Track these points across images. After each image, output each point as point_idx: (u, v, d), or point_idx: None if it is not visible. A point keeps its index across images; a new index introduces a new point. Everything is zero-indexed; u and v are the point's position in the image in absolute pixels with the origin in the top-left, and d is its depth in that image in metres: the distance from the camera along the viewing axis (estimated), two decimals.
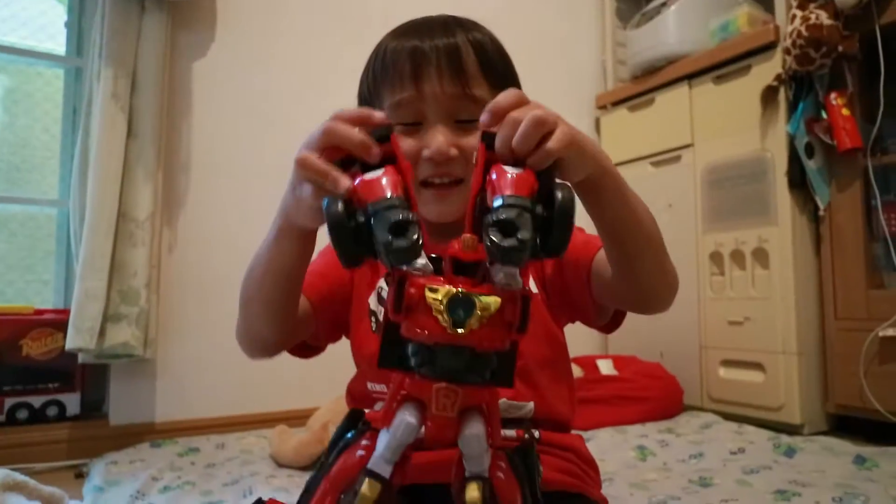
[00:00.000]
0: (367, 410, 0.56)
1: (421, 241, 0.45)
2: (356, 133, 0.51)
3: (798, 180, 1.63)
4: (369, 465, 0.47)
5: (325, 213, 0.46)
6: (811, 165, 1.62)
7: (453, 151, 0.68)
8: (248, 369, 1.61)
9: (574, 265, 0.70)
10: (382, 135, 0.52)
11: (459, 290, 0.44)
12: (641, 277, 0.64)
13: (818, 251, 1.66)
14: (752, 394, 1.68)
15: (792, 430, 1.57)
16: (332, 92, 1.88)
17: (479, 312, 0.44)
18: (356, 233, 0.46)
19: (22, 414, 1.46)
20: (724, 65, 1.81)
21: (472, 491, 0.45)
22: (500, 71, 0.73)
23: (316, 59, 1.84)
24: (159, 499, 1.10)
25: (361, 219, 0.46)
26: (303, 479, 1.22)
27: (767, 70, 1.69)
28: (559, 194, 0.46)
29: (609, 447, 1.37)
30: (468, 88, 0.68)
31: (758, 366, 1.68)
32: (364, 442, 0.50)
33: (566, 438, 0.73)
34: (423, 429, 0.46)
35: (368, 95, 0.74)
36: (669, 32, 1.98)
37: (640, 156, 2.08)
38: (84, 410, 1.54)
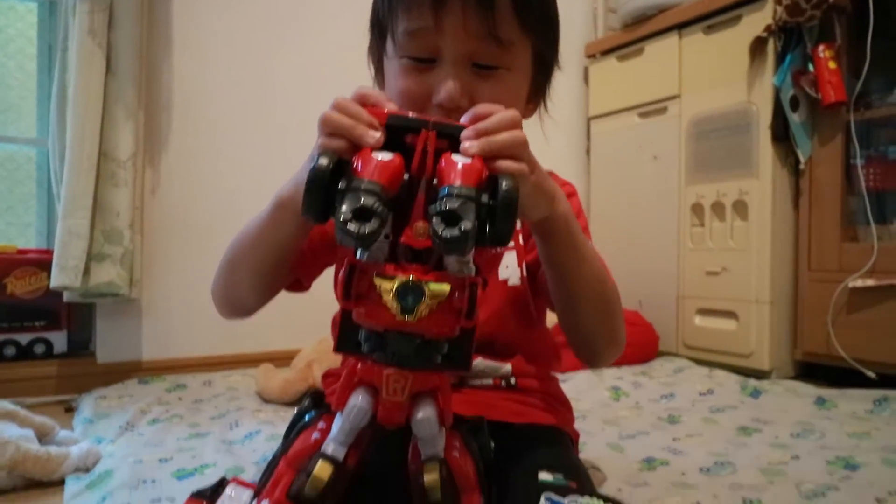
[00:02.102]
0: (326, 392, 0.58)
1: (377, 235, 0.44)
2: (364, 113, 0.50)
3: (781, 133, 1.65)
4: (323, 448, 0.49)
5: (313, 163, 0.46)
6: (795, 119, 1.63)
7: (464, 102, 0.61)
8: None
9: (544, 280, 0.69)
10: (413, 126, 0.50)
11: (409, 278, 0.45)
12: (580, 328, 0.66)
13: (797, 204, 1.69)
14: (725, 341, 1.74)
15: (760, 375, 1.63)
16: (319, 26, 1.86)
17: (427, 300, 0.45)
18: (327, 194, 0.46)
19: (9, 351, 1.48)
20: (716, 14, 1.80)
21: (431, 473, 0.48)
22: (536, 13, 0.64)
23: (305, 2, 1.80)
24: (148, 430, 1.14)
25: (341, 185, 0.46)
26: (288, 413, 1.27)
27: (758, 20, 1.68)
28: (504, 184, 0.46)
29: (585, 388, 1.42)
30: (495, 29, 0.60)
31: (731, 314, 1.73)
32: (321, 424, 0.51)
33: (542, 383, 0.76)
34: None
35: (381, 18, 0.68)
36: None
37: (627, 106, 2.08)
38: (71, 349, 1.56)
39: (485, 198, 0.45)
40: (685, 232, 1.87)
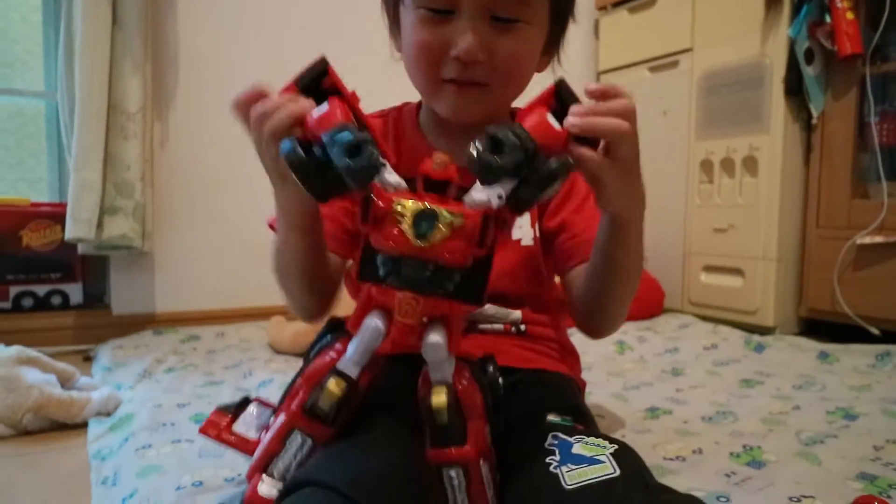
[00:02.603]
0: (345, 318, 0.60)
1: (378, 157, 0.46)
2: (280, 103, 0.51)
3: (794, 87, 1.62)
4: (338, 366, 0.52)
5: (284, 157, 0.48)
6: (809, 72, 1.61)
7: (482, 55, 0.61)
8: (243, 264, 1.67)
9: (573, 241, 0.71)
10: (318, 72, 0.52)
11: (425, 204, 0.47)
12: (597, 310, 0.67)
13: (807, 160, 1.68)
14: (730, 298, 1.75)
15: (765, 331, 1.65)
16: None
17: (441, 227, 0.46)
18: (318, 166, 0.47)
19: (27, 302, 1.52)
20: None
21: (439, 395, 0.50)
22: None
23: None
24: (165, 378, 1.17)
25: (319, 152, 0.47)
26: (299, 363, 1.29)
27: None
28: (558, 159, 0.47)
29: (591, 342, 1.44)
30: None
31: (738, 271, 1.74)
32: (337, 346, 0.54)
33: (550, 331, 0.78)
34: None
35: None
36: None
37: (638, 60, 2.05)
38: (86, 301, 1.59)
39: (535, 158, 0.46)
40: (693, 189, 1.86)
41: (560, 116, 0.50)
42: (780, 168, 1.65)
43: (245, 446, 0.59)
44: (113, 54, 1.43)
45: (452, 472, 0.50)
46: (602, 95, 0.51)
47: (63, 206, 1.46)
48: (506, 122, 0.48)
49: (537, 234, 0.74)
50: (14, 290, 1.50)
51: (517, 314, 0.75)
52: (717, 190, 1.80)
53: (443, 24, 0.62)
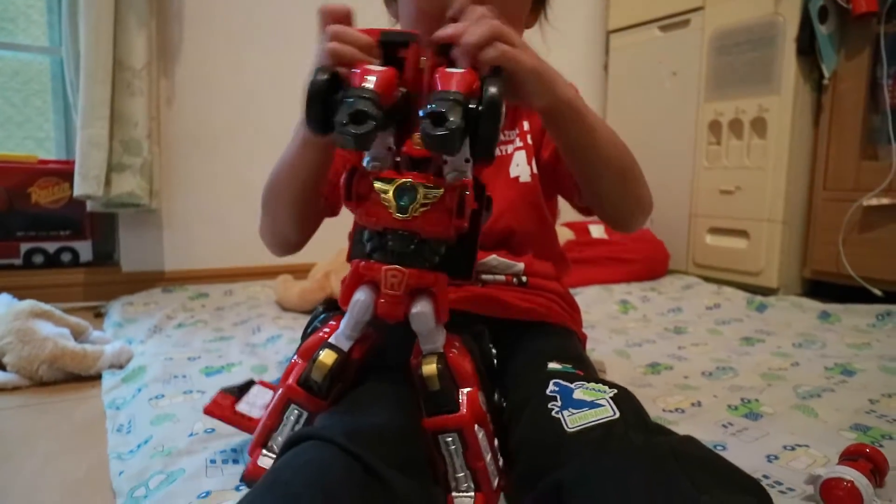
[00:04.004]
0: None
1: (372, 136, 0.47)
2: (361, 37, 0.53)
3: (807, 47, 1.60)
4: (330, 339, 0.55)
5: (310, 78, 0.49)
6: (822, 31, 1.58)
7: (480, 9, 0.62)
8: (251, 222, 1.67)
9: (568, 173, 0.72)
10: (403, 40, 0.53)
11: (406, 180, 0.49)
12: (605, 200, 0.68)
13: (817, 122, 1.66)
14: (735, 259, 1.76)
15: (768, 292, 1.66)
16: None
17: (421, 200, 0.49)
18: (325, 105, 0.49)
19: (38, 258, 1.53)
20: None
21: (429, 364, 0.52)
22: None
23: None
24: (175, 333, 1.20)
25: (338, 97, 0.49)
26: (306, 320, 1.31)
27: None
28: (489, 88, 0.48)
29: (594, 301, 1.46)
30: None
31: (743, 233, 1.74)
32: (331, 322, 0.57)
33: (551, 283, 0.79)
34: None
35: None
36: None
37: (648, 19, 2.01)
38: (96, 258, 1.61)
39: (473, 104, 0.48)
40: (701, 150, 1.85)
41: (397, 61, 0.52)
42: (788, 129, 1.63)
43: (248, 424, 0.62)
44: (117, 10, 1.41)
45: (448, 438, 0.51)
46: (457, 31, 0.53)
47: (71, 163, 1.47)
48: (433, 95, 0.48)
49: (535, 171, 0.77)
50: (25, 247, 1.52)
51: (520, 266, 0.76)
52: (724, 152, 1.79)
53: None
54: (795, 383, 0.89)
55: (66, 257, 1.56)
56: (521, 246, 0.77)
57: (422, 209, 0.49)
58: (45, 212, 1.53)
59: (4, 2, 1.62)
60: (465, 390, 0.52)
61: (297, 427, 0.54)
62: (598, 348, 1.08)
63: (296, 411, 0.55)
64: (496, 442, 0.55)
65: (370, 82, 0.48)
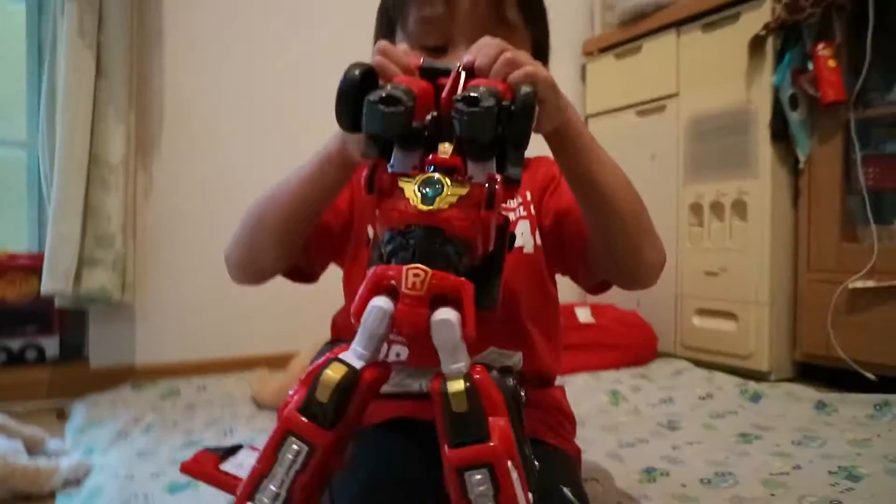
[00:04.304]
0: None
1: (401, 119, 0.46)
2: (405, 58, 0.54)
3: (780, 132, 1.63)
4: (339, 355, 0.46)
5: (344, 74, 0.49)
6: (794, 117, 1.62)
7: (486, 37, 0.63)
8: (228, 313, 1.63)
9: (574, 221, 0.70)
10: (440, 71, 0.54)
11: (432, 173, 0.48)
12: (616, 248, 0.65)
13: (796, 204, 1.68)
14: (724, 342, 1.73)
15: (759, 376, 1.62)
16: (319, 21, 1.83)
17: (448, 192, 0.46)
18: (359, 99, 0.48)
19: (0, 357, 1.46)
20: (714, 12, 1.78)
21: (456, 381, 0.44)
22: (535, 1, 0.72)
23: None
24: (141, 439, 1.12)
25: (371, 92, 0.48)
26: None
27: (756, 19, 1.66)
28: (522, 89, 0.48)
29: (583, 392, 1.41)
30: (502, 10, 0.66)
31: (730, 315, 1.72)
32: (337, 349, 0.48)
33: (549, 395, 0.75)
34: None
35: (392, 9, 0.71)
36: None
37: (625, 105, 2.06)
38: (63, 353, 1.54)
39: (506, 103, 0.47)
40: (683, 231, 1.85)
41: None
42: (769, 212, 1.65)
43: (233, 483, 0.50)
44: (96, 104, 1.42)
45: (477, 476, 0.43)
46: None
47: (41, 257, 1.42)
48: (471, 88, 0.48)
49: (538, 242, 0.74)
50: None
51: (518, 357, 0.71)
52: (707, 233, 1.79)
53: (438, 59, 0.65)
54: (800, 493, 0.83)
55: (31, 354, 1.49)
56: (523, 327, 0.72)
57: (448, 202, 0.46)
58: (12, 307, 1.47)
59: None
60: (496, 420, 0.44)
61: (296, 466, 0.45)
62: (589, 450, 1.02)
63: (294, 446, 0.45)
64: (531, 497, 0.45)
65: (406, 81, 0.49)
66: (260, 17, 1.73)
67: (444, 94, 0.52)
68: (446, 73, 0.53)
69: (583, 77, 2.24)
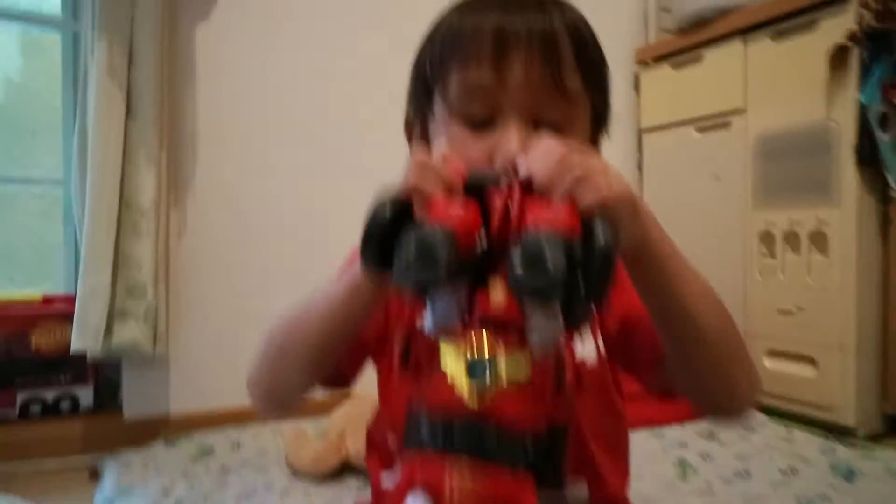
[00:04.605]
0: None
1: (439, 280, 0.37)
2: (446, 173, 0.44)
3: (868, 156, 1.45)
4: None
5: (373, 206, 0.41)
6: (885, 139, 1.43)
7: (546, 140, 0.53)
8: None
9: (646, 329, 0.58)
10: (489, 180, 0.44)
11: (480, 350, 0.39)
12: (700, 376, 0.54)
13: (885, 237, 1.49)
14: (802, 389, 1.56)
15: (844, 431, 1.46)
16: (351, 50, 1.74)
17: (502, 376, 0.38)
18: (387, 240, 0.39)
19: (35, 408, 1.43)
20: (786, 18, 1.60)
21: None
22: (594, 60, 0.60)
23: (335, 13, 1.67)
24: None
25: (405, 231, 0.39)
26: (319, 490, 1.17)
27: (838, 26, 1.48)
28: (599, 231, 0.37)
29: (645, 457, 1.28)
30: (560, 78, 0.55)
31: (809, 360, 1.55)
32: None
33: None
34: None
35: (430, 72, 0.60)
36: None
37: (683, 119, 1.90)
38: (98, 402, 1.50)
39: (577, 249, 0.38)
40: (753, 262, 1.68)
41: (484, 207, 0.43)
42: (855, 246, 1.47)
43: None
44: (126, 147, 1.36)
45: None
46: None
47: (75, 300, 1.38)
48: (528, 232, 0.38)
49: (601, 349, 0.61)
50: (21, 397, 1.42)
51: (583, 492, 0.60)
52: (780, 266, 1.62)
53: (483, 133, 0.56)
54: None
55: (65, 405, 1.46)
56: (588, 451, 0.60)
57: (504, 391, 0.39)
58: (46, 357, 1.43)
59: (24, 130, 1.59)
60: None
61: None
62: None
63: None
64: None
65: (447, 219, 0.39)
66: (295, 48, 1.64)
67: (494, 223, 0.42)
68: (497, 183, 0.43)
69: (636, 87, 2.08)
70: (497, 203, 0.42)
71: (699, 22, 1.82)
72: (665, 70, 1.97)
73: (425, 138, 0.63)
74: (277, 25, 1.62)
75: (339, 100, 1.66)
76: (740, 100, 1.72)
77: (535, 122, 0.56)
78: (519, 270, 0.35)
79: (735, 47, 1.73)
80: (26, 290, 1.56)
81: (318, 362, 0.58)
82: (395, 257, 0.38)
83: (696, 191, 1.85)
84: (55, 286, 1.59)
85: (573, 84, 0.56)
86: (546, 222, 0.38)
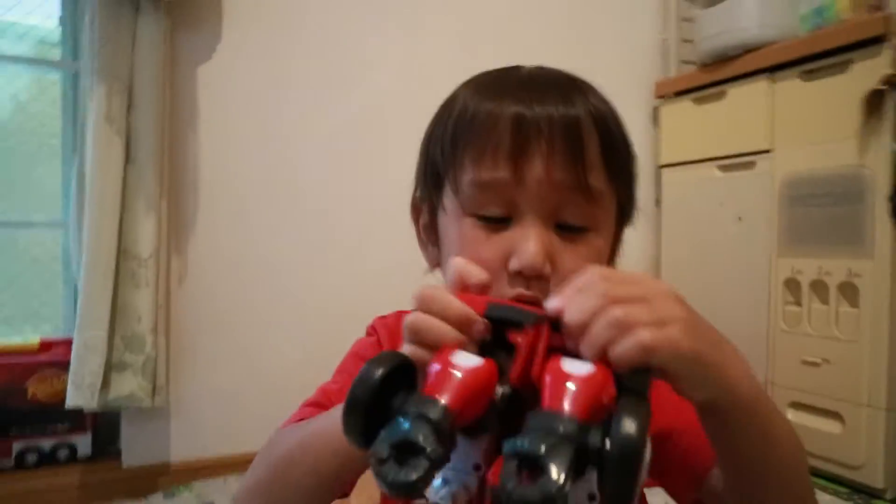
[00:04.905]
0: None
1: (423, 484, 0.31)
2: (457, 307, 0.39)
3: None
4: None
5: (360, 373, 0.34)
6: None
7: (547, 268, 0.49)
8: (265, 403, 1.50)
9: (692, 447, 0.51)
10: (518, 320, 0.37)
11: None
12: None
13: None
14: (827, 446, 1.48)
15: (873, 493, 1.39)
16: (363, 93, 1.68)
17: None
18: (369, 415, 0.33)
19: (31, 458, 1.39)
20: (817, 58, 1.52)
21: None
22: (621, 153, 0.54)
23: (338, 57, 1.62)
24: None
25: (397, 403, 0.34)
26: None
27: (872, 68, 1.41)
28: (621, 422, 0.30)
29: None
30: (585, 177, 0.50)
31: (835, 415, 1.48)
32: None
33: None
34: None
35: (440, 160, 0.54)
36: (749, 14, 1.68)
37: (705, 157, 1.83)
38: (96, 449, 1.45)
39: (595, 437, 0.31)
40: (777, 310, 1.61)
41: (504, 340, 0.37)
42: (888, 299, 1.39)
43: None
44: (125, 194, 1.31)
45: None
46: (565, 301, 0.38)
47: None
48: (535, 422, 0.32)
49: None
50: (17, 446, 1.38)
51: None
52: (806, 315, 1.55)
53: (497, 233, 0.50)
54: None
55: (62, 454, 1.41)
56: None
57: None
58: (43, 406, 1.39)
59: (23, 172, 1.55)
60: None
61: None
62: None
63: None
64: None
65: (446, 391, 0.33)
66: (299, 89, 1.59)
67: (514, 371, 0.36)
68: (520, 324, 0.37)
69: (655, 121, 2.01)
70: (523, 346, 0.36)
71: (724, 57, 1.75)
72: (686, 104, 1.90)
73: (433, 227, 0.58)
74: (281, 66, 1.57)
75: (344, 143, 1.60)
76: (766, 140, 1.65)
77: (559, 225, 0.50)
78: (507, 483, 0.29)
79: (761, 85, 1.66)
80: (26, 330, 1.53)
81: (327, 490, 0.52)
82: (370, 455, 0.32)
83: (718, 232, 1.78)
84: (54, 329, 1.55)
85: (598, 184, 0.50)
86: (560, 396, 0.32)
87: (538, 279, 0.48)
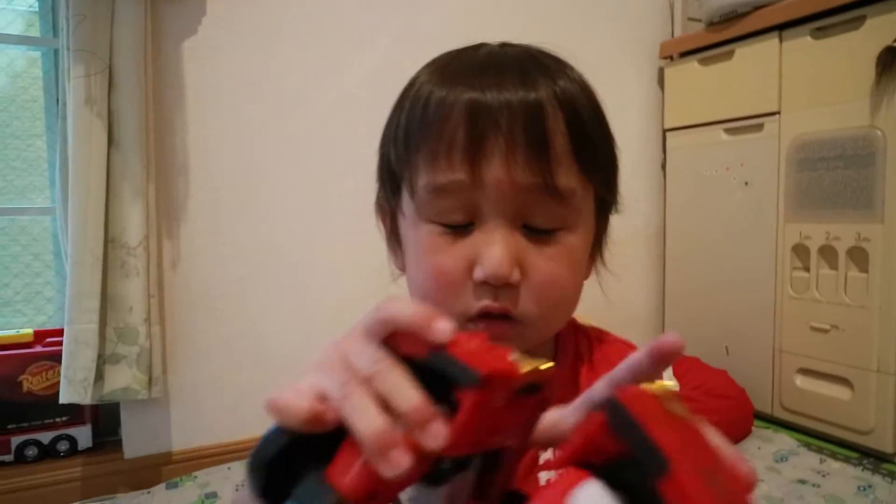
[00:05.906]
0: None
1: None
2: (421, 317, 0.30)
3: None
4: None
5: (264, 436, 0.28)
6: None
7: (515, 275, 0.44)
8: (265, 388, 1.48)
9: None
10: (469, 380, 0.26)
11: None
12: None
13: None
14: (835, 411, 1.48)
15: (882, 457, 1.38)
16: (357, 63, 1.60)
17: None
18: (271, 476, 0.27)
19: (31, 451, 1.36)
20: (828, 14, 1.46)
21: None
22: (595, 143, 0.48)
23: (329, 26, 1.54)
24: None
25: (298, 476, 0.27)
26: None
27: (887, 24, 1.35)
28: None
29: None
30: (551, 177, 0.44)
31: (844, 381, 1.46)
32: None
33: None
34: None
35: (395, 160, 0.49)
36: None
37: (711, 120, 1.77)
38: (97, 440, 1.43)
39: None
40: (785, 275, 1.58)
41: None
42: None
43: None
44: (110, 180, 1.25)
45: None
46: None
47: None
48: None
49: None
50: (16, 441, 1.35)
51: None
52: (814, 281, 1.52)
53: (460, 238, 0.46)
54: None
55: (62, 446, 1.38)
56: None
57: None
58: (40, 399, 1.36)
59: (15, 153, 1.47)
60: None
61: None
62: None
63: None
64: None
65: (350, 475, 0.26)
66: (291, 63, 1.50)
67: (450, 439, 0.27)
68: (461, 385, 0.27)
69: (660, 83, 1.94)
70: (460, 417, 0.26)
71: (731, 15, 1.68)
72: (692, 66, 1.83)
73: (395, 233, 0.53)
74: (271, 39, 1.48)
75: (339, 119, 1.53)
76: (775, 102, 1.59)
77: (525, 227, 0.46)
78: None
79: (770, 44, 1.59)
80: (20, 319, 1.49)
81: None
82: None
83: (724, 196, 1.74)
84: (45, 319, 1.50)
85: (567, 181, 0.45)
86: None
87: (506, 287, 0.44)
